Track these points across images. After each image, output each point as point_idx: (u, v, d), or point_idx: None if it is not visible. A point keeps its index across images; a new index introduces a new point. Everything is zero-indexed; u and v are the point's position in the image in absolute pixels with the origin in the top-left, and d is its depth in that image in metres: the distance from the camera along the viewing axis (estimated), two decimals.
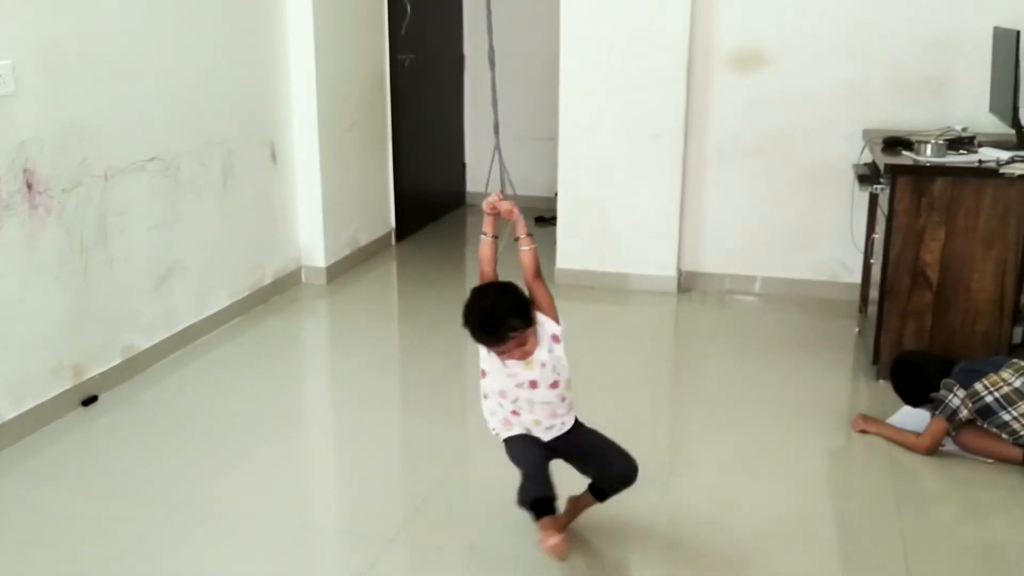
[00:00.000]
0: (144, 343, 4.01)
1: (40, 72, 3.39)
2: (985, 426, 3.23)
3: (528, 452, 2.61)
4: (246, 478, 3.18)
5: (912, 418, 3.50)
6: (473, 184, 7.18)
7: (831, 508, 3.02)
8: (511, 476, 3.21)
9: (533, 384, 2.55)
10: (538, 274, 2.61)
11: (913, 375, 3.47)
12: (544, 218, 6.43)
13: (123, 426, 3.55)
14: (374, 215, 5.81)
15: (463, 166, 7.12)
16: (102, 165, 3.71)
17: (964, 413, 3.21)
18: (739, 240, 5.09)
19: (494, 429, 2.67)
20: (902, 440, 3.35)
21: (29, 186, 3.37)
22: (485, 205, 2.66)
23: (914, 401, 3.46)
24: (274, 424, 3.59)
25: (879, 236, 3.95)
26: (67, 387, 3.60)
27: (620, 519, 2.94)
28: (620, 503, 3.01)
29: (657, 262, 5.11)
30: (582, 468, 2.71)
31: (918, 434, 3.32)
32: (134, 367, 3.94)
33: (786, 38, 4.80)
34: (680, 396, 4.01)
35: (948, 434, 3.28)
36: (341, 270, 5.38)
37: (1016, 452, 3.18)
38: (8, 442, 3.33)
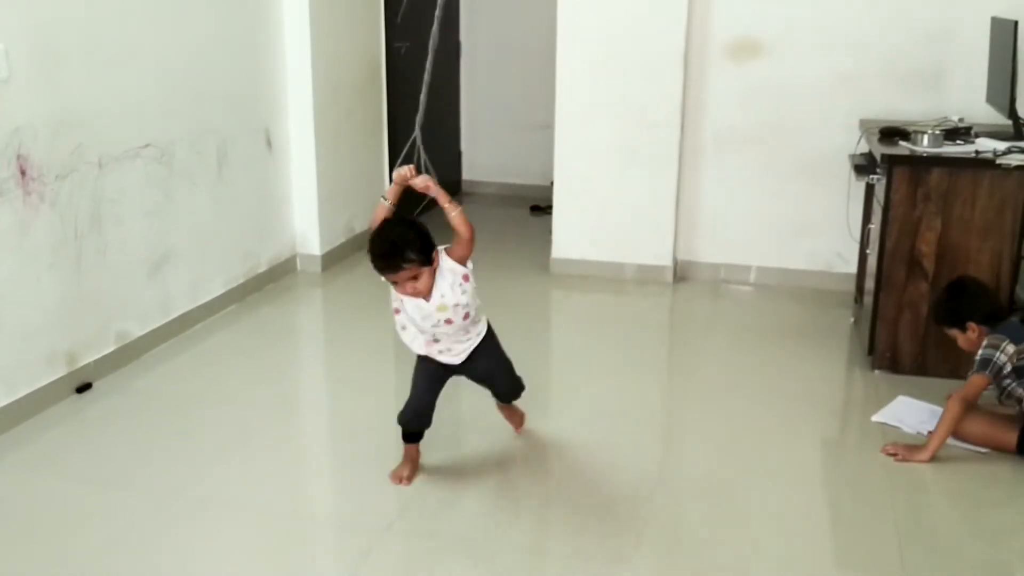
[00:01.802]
0: (138, 330, 4.01)
1: (34, 58, 3.37)
2: (1009, 389, 3.15)
3: (423, 385, 3.04)
4: (240, 466, 3.17)
5: (909, 409, 3.51)
6: (468, 172, 7.17)
7: (825, 498, 3.02)
8: (506, 466, 3.22)
9: (448, 322, 2.87)
10: (471, 235, 2.88)
11: (980, 293, 3.36)
12: (539, 207, 6.43)
13: (117, 413, 3.55)
14: (369, 203, 5.78)
15: (459, 154, 7.11)
16: (96, 152, 3.69)
17: (1008, 369, 3.14)
18: (735, 230, 5.09)
19: (416, 351, 3.01)
20: (948, 428, 3.16)
21: (22, 172, 3.35)
22: (396, 175, 2.89)
23: (952, 320, 3.34)
24: (269, 412, 3.59)
25: (875, 226, 3.95)
26: (61, 374, 3.60)
27: (613, 505, 2.94)
28: (614, 489, 3.02)
29: (653, 251, 5.10)
30: (480, 383, 3.18)
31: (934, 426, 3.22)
32: (128, 354, 3.93)
33: (783, 28, 4.79)
34: (675, 385, 4.01)
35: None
36: (336, 258, 5.37)
37: (1011, 439, 3.17)
38: (1, 429, 3.33)
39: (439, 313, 2.84)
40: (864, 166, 4.12)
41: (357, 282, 5.20)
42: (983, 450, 3.23)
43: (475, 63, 6.92)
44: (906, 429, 3.38)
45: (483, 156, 7.11)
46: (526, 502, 3.02)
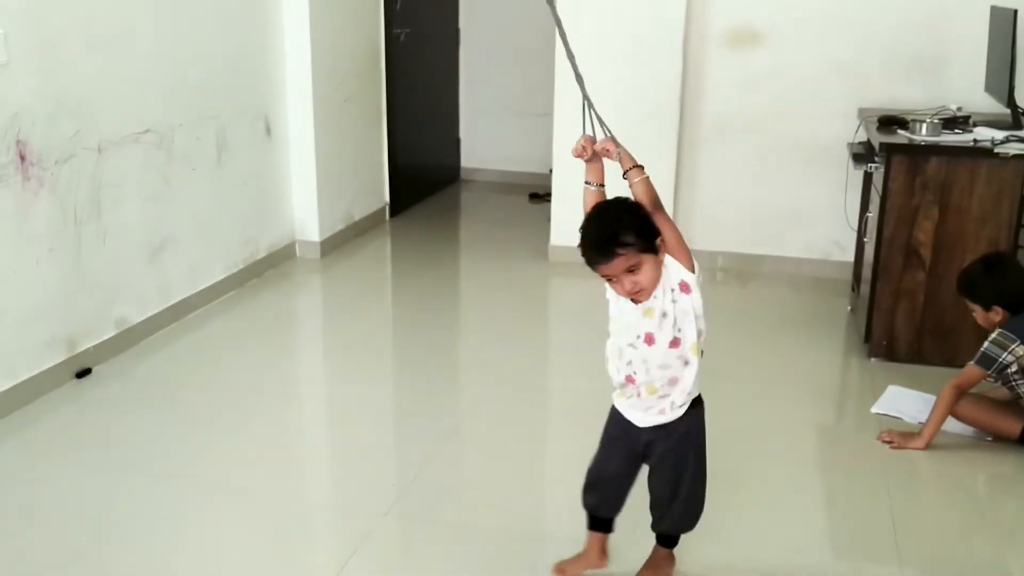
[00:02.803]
0: (138, 316, 4.01)
1: (33, 43, 3.37)
2: (1013, 385, 3.13)
3: (610, 458, 2.40)
4: (239, 451, 3.19)
5: (903, 399, 3.52)
6: (468, 159, 7.17)
7: (821, 485, 3.04)
8: (503, 451, 3.23)
9: (649, 338, 2.22)
10: (658, 206, 2.23)
11: (1015, 275, 3.22)
12: (538, 195, 6.43)
13: (117, 398, 3.56)
14: (368, 190, 5.80)
15: (457, 141, 7.10)
16: (95, 137, 3.69)
17: (1014, 368, 3.10)
18: (733, 218, 5.10)
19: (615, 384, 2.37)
20: (942, 416, 3.16)
21: (22, 158, 3.36)
22: (573, 152, 2.37)
23: (980, 297, 3.22)
24: (267, 397, 3.60)
25: (873, 215, 3.96)
26: (61, 359, 3.60)
27: None
28: None
29: None
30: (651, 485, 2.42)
31: (920, 427, 3.23)
32: (128, 340, 3.94)
33: (782, 16, 4.78)
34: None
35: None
36: (335, 244, 5.37)
37: (1015, 428, 3.17)
38: (1, 414, 3.34)
39: (643, 320, 2.23)
40: (862, 155, 4.13)
41: (356, 269, 5.21)
42: (988, 438, 3.23)
43: (474, 50, 6.91)
44: (907, 419, 3.38)
45: (482, 144, 7.11)
46: (523, 487, 3.03)
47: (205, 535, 2.72)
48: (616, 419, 2.39)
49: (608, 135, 2.39)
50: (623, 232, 2.17)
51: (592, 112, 2.46)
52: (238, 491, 2.94)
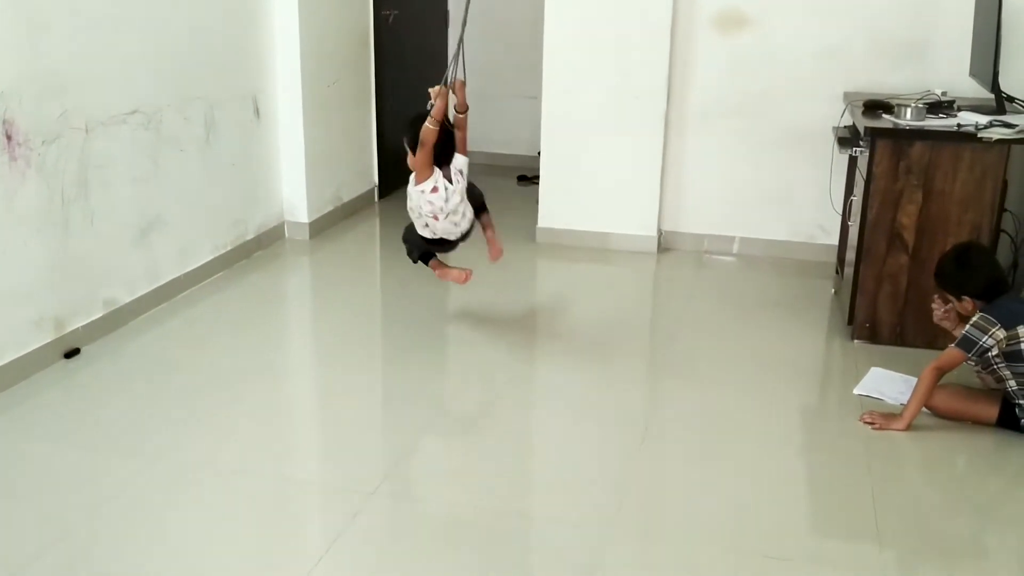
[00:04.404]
0: (126, 297, 4.02)
1: (19, 22, 3.36)
2: (995, 368, 3.17)
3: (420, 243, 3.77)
4: (228, 431, 3.21)
5: (885, 380, 3.56)
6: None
7: (803, 466, 3.08)
8: (491, 432, 3.26)
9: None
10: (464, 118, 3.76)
11: (983, 267, 3.27)
12: (526, 177, 6.44)
13: (105, 379, 3.57)
14: (357, 172, 5.80)
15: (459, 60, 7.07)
16: (82, 117, 3.68)
17: (995, 352, 3.14)
18: (719, 201, 5.12)
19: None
20: (922, 397, 3.21)
21: (8, 137, 3.35)
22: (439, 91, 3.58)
23: (950, 288, 3.29)
24: (256, 378, 3.62)
25: (857, 198, 3.99)
26: (49, 340, 3.61)
27: (594, 470, 2.99)
28: (595, 454, 3.06)
29: (638, 222, 5.14)
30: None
31: (900, 410, 3.28)
32: (116, 320, 3.95)
33: (769, 0, 4.79)
34: (657, 354, 4.05)
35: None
36: (324, 226, 5.38)
37: (992, 413, 3.22)
38: None
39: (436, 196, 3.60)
40: (848, 139, 4.15)
41: (345, 250, 5.22)
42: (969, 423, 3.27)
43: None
44: (888, 401, 3.43)
45: (470, 126, 7.08)
46: (509, 467, 3.06)
47: (193, 515, 2.74)
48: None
49: (462, 79, 3.81)
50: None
51: (461, 56, 3.74)
52: (225, 471, 2.96)
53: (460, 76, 3.78)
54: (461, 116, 3.80)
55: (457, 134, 3.71)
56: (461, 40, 3.77)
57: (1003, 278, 3.31)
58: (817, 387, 3.77)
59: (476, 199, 3.78)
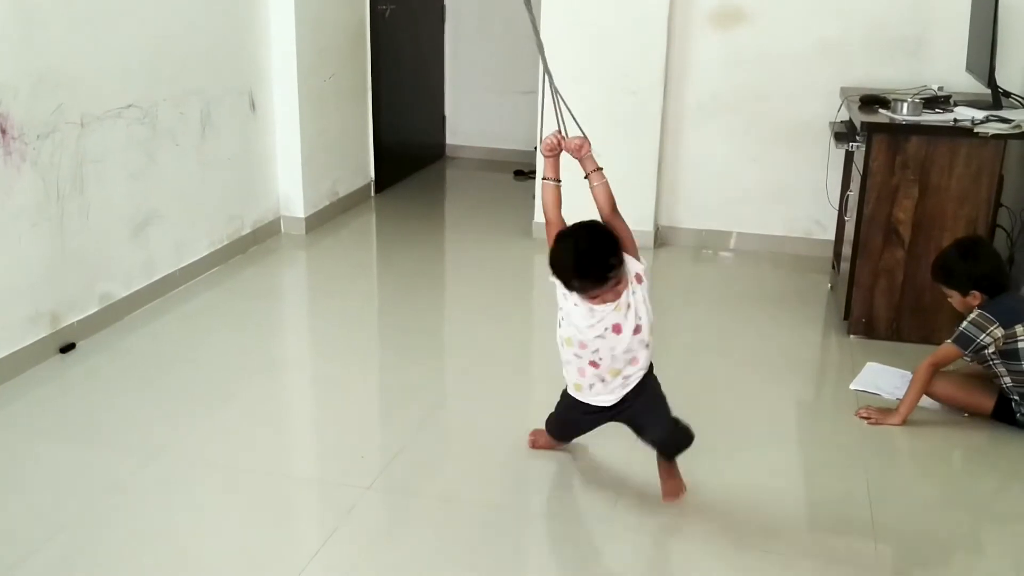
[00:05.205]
0: (122, 291, 4.02)
1: (14, 16, 3.35)
2: (991, 365, 3.17)
3: (567, 424, 2.81)
4: (224, 426, 3.21)
5: (882, 375, 3.56)
6: (452, 136, 7.16)
7: (798, 461, 3.09)
8: (487, 426, 3.26)
9: (617, 328, 2.46)
10: (615, 208, 2.52)
11: (990, 260, 3.23)
12: (523, 172, 6.44)
13: (101, 373, 3.57)
14: (353, 166, 5.80)
15: (443, 118, 7.09)
16: (78, 111, 3.68)
17: (991, 350, 3.12)
18: (715, 196, 5.12)
19: (568, 381, 2.68)
20: (918, 393, 3.20)
21: (3, 132, 3.34)
22: (543, 148, 2.57)
23: (956, 283, 3.23)
24: (252, 373, 3.62)
25: (853, 193, 3.99)
26: (44, 334, 3.61)
27: (591, 465, 2.99)
28: (592, 449, 3.07)
29: (634, 217, 5.04)
30: (640, 436, 2.73)
31: (896, 404, 3.28)
32: (112, 315, 3.94)
33: None
34: (654, 348, 4.05)
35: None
36: (320, 221, 5.37)
37: (988, 404, 3.22)
38: None
39: (613, 314, 2.47)
40: (844, 134, 4.15)
41: (341, 245, 5.22)
42: (964, 414, 3.27)
43: (460, 27, 6.89)
44: (884, 396, 3.42)
45: (467, 121, 7.10)
46: (506, 461, 3.06)
47: (189, 509, 2.74)
48: (571, 407, 2.71)
49: (582, 132, 2.56)
50: (610, 258, 2.39)
51: (564, 107, 2.59)
52: (222, 466, 2.96)
53: (574, 128, 2.63)
54: (596, 186, 2.59)
55: (610, 223, 2.53)
56: (550, 77, 2.70)
57: (1006, 272, 3.30)
58: (813, 382, 3.77)
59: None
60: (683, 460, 2.80)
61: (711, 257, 5.10)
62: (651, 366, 2.66)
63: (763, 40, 4.83)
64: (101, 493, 2.79)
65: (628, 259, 2.44)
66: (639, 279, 2.46)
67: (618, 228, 2.47)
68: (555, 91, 2.62)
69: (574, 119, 2.58)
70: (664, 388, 3.64)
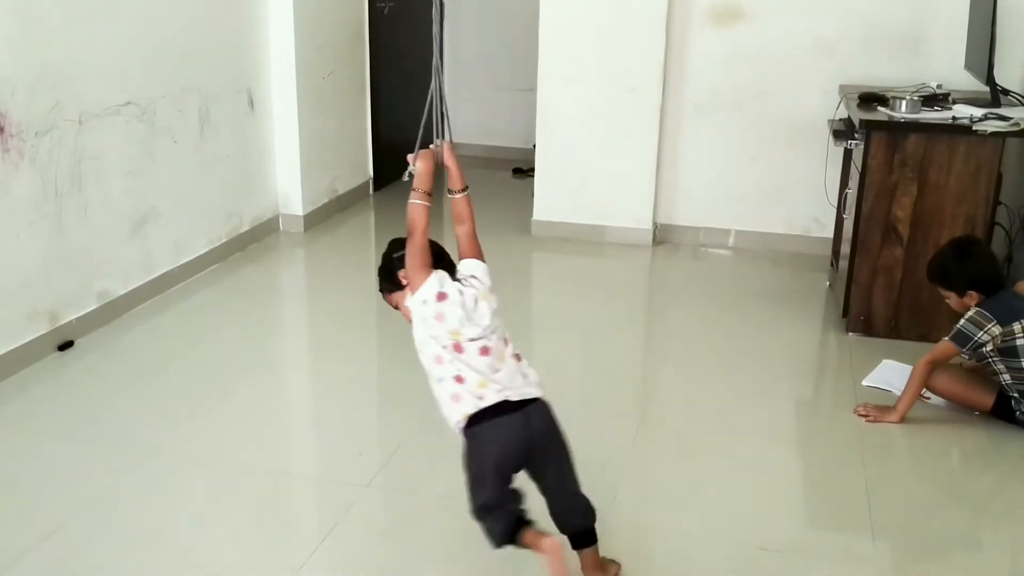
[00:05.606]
0: (120, 289, 4.01)
1: (12, 13, 3.35)
2: (990, 363, 3.17)
3: (494, 487, 2.34)
4: (222, 424, 3.21)
5: (896, 372, 3.53)
6: (451, 133, 7.14)
7: (796, 458, 3.09)
8: None
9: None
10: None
11: (986, 260, 3.24)
12: (522, 169, 6.44)
13: (99, 371, 3.57)
14: (352, 164, 5.79)
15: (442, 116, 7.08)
16: (76, 109, 3.67)
17: (989, 348, 3.13)
18: (714, 194, 5.12)
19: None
20: (915, 390, 3.20)
21: (1, 129, 3.34)
22: (433, 155, 2.53)
23: (953, 284, 3.22)
24: (250, 370, 3.62)
25: (852, 191, 3.99)
26: (43, 332, 3.60)
27: (589, 463, 2.99)
28: (590, 447, 3.06)
29: (633, 215, 5.13)
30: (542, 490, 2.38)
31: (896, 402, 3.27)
32: (110, 313, 3.94)
33: None
34: (652, 346, 4.06)
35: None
36: (319, 219, 5.37)
37: (988, 400, 3.22)
38: None
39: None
40: (843, 131, 4.15)
41: (339, 242, 5.21)
42: (976, 412, 3.26)
43: (459, 25, 6.89)
44: (897, 392, 3.38)
45: (466, 118, 7.08)
46: None
47: (188, 507, 2.74)
48: (486, 442, 2.34)
49: (449, 140, 2.51)
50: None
51: (444, 112, 2.53)
52: (220, 463, 2.96)
53: (445, 136, 2.60)
54: (458, 198, 2.56)
55: (458, 229, 2.49)
56: (440, 86, 2.69)
57: (1001, 271, 3.31)
58: (811, 380, 3.77)
59: None
60: (676, 458, 2.80)
61: (709, 255, 5.10)
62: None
63: (762, 38, 4.83)
64: (98, 490, 2.79)
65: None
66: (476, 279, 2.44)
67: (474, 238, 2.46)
68: (440, 91, 2.60)
69: (448, 126, 2.58)
70: (661, 385, 3.65)
